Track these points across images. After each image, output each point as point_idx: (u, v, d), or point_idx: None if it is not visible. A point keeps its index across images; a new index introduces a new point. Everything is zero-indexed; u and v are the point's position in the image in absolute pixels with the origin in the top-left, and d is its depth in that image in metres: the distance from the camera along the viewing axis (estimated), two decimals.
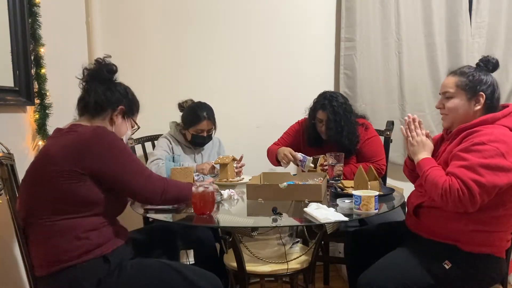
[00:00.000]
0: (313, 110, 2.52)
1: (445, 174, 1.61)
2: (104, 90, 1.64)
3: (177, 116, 2.64)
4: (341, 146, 2.40)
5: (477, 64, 1.77)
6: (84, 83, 1.68)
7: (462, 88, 1.72)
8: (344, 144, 2.42)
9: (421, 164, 1.73)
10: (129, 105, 1.71)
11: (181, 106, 2.62)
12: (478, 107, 1.71)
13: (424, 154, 1.76)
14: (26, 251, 1.51)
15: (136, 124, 1.78)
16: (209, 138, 2.56)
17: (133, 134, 1.81)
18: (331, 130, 2.42)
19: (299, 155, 2.39)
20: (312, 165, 2.36)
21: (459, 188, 1.53)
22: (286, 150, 2.45)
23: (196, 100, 2.61)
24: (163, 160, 2.36)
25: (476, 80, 1.71)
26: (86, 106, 1.64)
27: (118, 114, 1.67)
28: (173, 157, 2.31)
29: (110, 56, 1.70)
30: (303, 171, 2.38)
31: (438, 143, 1.87)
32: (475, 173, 1.53)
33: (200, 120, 2.47)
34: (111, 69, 1.68)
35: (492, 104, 1.72)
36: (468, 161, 1.56)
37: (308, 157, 2.36)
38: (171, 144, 2.53)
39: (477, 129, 1.64)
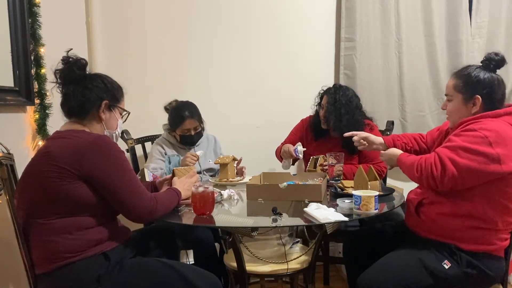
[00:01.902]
0: (320, 98, 2.59)
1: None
2: (82, 91, 1.59)
3: None
4: (345, 140, 2.42)
5: (481, 62, 1.75)
6: (60, 87, 1.63)
7: (458, 91, 1.73)
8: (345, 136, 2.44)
9: (398, 160, 1.84)
10: (111, 95, 1.65)
11: (166, 109, 2.59)
12: (475, 109, 1.70)
13: (395, 156, 1.86)
14: (26, 250, 1.52)
15: (125, 110, 1.73)
16: (198, 135, 2.53)
17: (125, 121, 1.77)
18: (331, 114, 2.46)
19: (292, 147, 2.44)
20: (301, 152, 2.41)
21: (433, 162, 1.62)
22: (286, 147, 2.48)
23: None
24: (161, 168, 2.37)
25: (471, 83, 1.70)
26: (70, 110, 1.61)
27: (104, 109, 1.63)
28: (169, 158, 2.30)
29: (71, 49, 1.62)
30: (298, 158, 2.43)
31: (443, 135, 1.87)
32: (453, 153, 1.59)
33: (184, 119, 2.45)
34: (82, 65, 1.62)
35: (492, 106, 1.69)
36: (452, 143, 1.62)
37: (298, 144, 2.43)
38: (163, 149, 2.51)
39: (477, 120, 1.65)
